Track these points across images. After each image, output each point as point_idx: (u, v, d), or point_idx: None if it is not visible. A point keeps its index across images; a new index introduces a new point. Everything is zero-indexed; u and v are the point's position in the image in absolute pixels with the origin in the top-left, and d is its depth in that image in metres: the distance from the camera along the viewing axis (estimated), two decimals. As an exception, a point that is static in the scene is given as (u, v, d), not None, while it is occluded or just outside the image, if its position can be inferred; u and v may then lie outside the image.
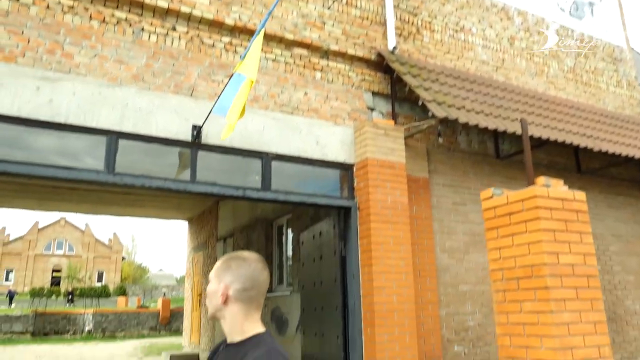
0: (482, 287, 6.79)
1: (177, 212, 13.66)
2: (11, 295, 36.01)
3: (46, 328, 23.03)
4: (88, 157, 4.69)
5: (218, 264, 1.70)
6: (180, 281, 59.72)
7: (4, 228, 54.02)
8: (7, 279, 52.25)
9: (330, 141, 5.95)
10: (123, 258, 61.24)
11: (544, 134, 6.60)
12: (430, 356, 5.94)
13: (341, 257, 5.87)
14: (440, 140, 6.38)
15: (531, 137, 6.18)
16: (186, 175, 5.07)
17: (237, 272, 1.64)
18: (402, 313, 5.49)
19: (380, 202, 5.73)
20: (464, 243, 6.83)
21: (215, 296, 1.64)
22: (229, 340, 1.66)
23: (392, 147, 6.00)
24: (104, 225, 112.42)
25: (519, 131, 6.26)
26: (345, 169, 6.05)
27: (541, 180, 3.80)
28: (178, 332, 23.41)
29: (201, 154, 5.19)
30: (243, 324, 1.62)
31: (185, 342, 14.11)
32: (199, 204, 12.47)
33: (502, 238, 3.81)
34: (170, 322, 25.29)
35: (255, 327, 1.63)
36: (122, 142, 4.80)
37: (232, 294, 1.62)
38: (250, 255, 1.71)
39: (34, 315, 22.71)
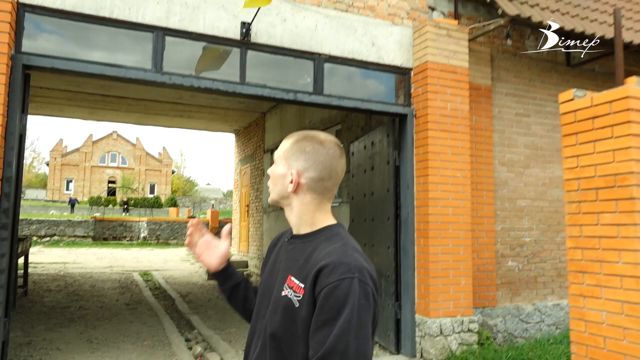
0: (541, 203, 6.47)
1: (224, 124, 13.59)
2: (72, 203, 38.28)
3: (105, 234, 24.55)
4: (135, 54, 4.49)
5: (288, 143, 1.40)
6: (227, 195, 61.82)
7: (61, 140, 56.50)
8: (67, 189, 55.52)
9: (387, 42, 5.50)
10: (173, 171, 63.37)
11: (627, 37, 5.89)
12: (483, 270, 5.81)
13: (395, 167, 5.63)
14: (509, 42, 5.79)
15: (611, 41, 5.51)
16: (235, 76, 4.82)
17: (313, 158, 1.35)
18: (457, 225, 5.29)
19: (439, 110, 5.35)
20: (524, 156, 6.44)
21: (283, 181, 1.38)
22: (294, 232, 1.42)
23: (454, 49, 5.50)
24: (153, 140, 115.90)
25: (599, 33, 5.59)
26: (402, 73, 5.63)
27: (633, 80, 3.33)
28: (226, 241, 24.40)
29: (250, 54, 4.89)
30: (314, 215, 1.37)
31: (234, 250, 14.63)
32: (246, 115, 12.32)
33: (582, 145, 3.44)
34: (218, 232, 26.38)
35: (326, 218, 1.39)
36: (168, 39, 4.55)
37: (305, 182, 1.35)
38: (327, 138, 1.40)
39: (93, 222, 24.15)
